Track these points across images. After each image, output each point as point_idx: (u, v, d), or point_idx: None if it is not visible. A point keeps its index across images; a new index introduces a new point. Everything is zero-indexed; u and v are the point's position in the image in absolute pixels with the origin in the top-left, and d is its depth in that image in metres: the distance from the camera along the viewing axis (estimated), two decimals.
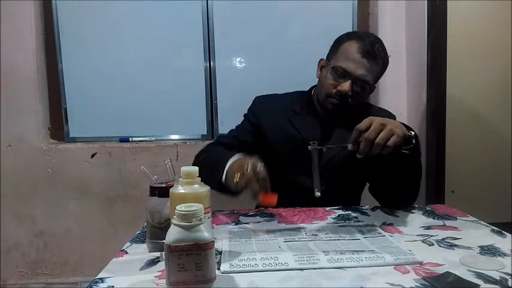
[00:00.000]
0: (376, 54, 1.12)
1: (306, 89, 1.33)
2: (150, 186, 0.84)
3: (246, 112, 1.33)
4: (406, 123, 1.00)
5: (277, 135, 1.24)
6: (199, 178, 0.77)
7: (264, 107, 1.30)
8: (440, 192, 1.78)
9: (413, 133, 0.98)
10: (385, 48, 1.17)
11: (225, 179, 0.96)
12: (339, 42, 1.20)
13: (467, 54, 1.76)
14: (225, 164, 0.97)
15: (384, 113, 1.26)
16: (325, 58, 1.24)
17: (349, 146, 0.93)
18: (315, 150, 0.98)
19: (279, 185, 0.97)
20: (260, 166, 0.89)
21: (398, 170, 1.04)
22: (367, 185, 1.28)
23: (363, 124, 0.91)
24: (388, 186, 1.12)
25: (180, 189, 0.75)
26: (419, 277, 0.67)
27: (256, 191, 0.86)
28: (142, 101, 1.95)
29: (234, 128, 1.33)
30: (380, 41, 1.17)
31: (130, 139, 1.95)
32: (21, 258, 1.96)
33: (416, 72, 1.89)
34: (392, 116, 1.24)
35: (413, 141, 0.98)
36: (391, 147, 0.90)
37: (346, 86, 1.13)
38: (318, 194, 0.97)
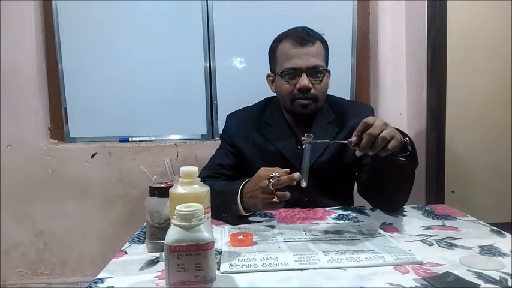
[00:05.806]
0: (309, 38, 1.13)
1: None
2: (150, 186, 0.84)
3: (222, 133, 1.33)
4: (400, 130, 0.97)
5: (253, 150, 1.24)
6: (199, 178, 0.77)
7: (235, 124, 1.29)
8: (440, 192, 1.77)
9: (407, 139, 0.96)
10: (314, 30, 1.18)
11: (242, 204, 0.99)
12: (272, 50, 1.22)
13: (467, 54, 1.75)
14: (236, 193, 1.00)
15: (361, 109, 1.26)
16: (270, 73, 1.25)
17: (353, 139, 0.88)
18: (309, 145, 0.93)
19: None
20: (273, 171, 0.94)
21: (391, 177, 1.02)
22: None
23: (370, 119, 0.88)
24: (378, 190, 1.10)
25: (179, 189, 0.75)
26: (419, 277, 0.68)
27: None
28: (142, 101, 1.95)
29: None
30: (305, 27, 1.18)
31: (130, 139, 1.95)
32: (21, 258, 1.96)
33: (416, 72, 1.89)
34: (372, 111, 1.29)
35: (410, 148, 0.96)
36: (390, 150, 0.87)
37: (303, 80, 1.13)
38: (304, 184, 0.92)
